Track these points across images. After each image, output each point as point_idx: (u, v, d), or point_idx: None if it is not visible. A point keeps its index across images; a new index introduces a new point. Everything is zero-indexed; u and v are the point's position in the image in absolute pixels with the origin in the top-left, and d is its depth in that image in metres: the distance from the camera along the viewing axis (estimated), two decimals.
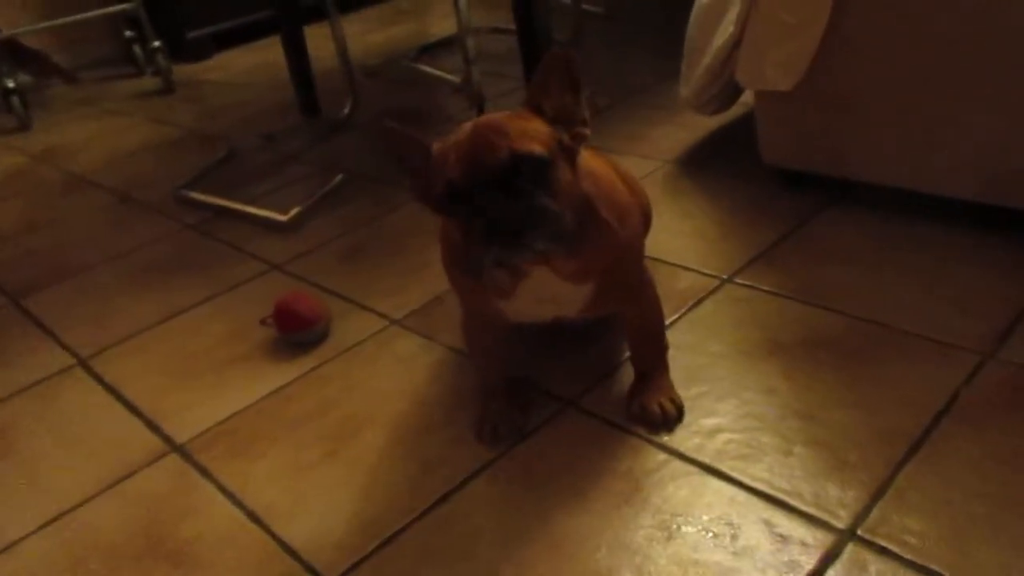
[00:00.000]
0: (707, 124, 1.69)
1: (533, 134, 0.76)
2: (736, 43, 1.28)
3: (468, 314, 0.98)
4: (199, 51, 3.18)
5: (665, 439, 0.91)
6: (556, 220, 0.74)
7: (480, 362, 1.03)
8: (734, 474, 0.85)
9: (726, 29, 1.29)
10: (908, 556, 0.73)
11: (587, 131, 0.80)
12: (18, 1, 3.22)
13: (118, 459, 1.03)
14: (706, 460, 0.87)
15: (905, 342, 1.00)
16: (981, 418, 0.87)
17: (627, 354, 1.03)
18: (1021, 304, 1.02)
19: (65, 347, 1.30)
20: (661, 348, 0.99)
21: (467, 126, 0.78)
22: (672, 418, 0.92)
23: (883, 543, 0.74)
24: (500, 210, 0.73)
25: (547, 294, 0.85)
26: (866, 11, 1.14)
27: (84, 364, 1.25)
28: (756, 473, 0.84)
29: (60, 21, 2.90)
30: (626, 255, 0.89)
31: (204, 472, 0.98)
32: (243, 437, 1.02)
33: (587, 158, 0.86)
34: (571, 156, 0.80)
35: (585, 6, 2.66)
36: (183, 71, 3.01)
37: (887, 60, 1.16)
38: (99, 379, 1.20)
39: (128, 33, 3.08)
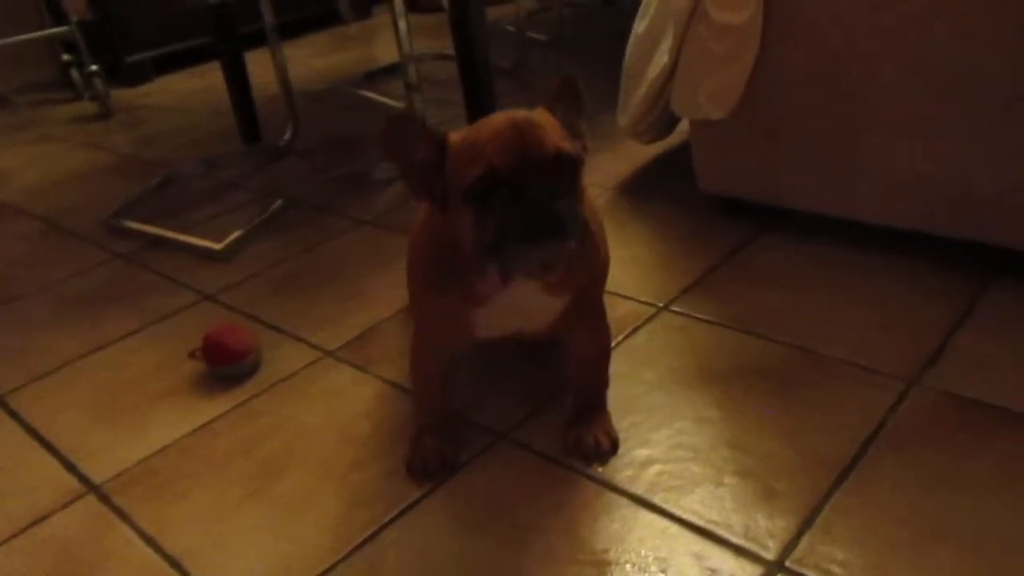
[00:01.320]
0: (646, 152, 1.71)
1: (566, 135, 0.76)
2: (671, 73, 1.29)
3: (421, 338, 0.95)
4: (138, 75, 3.12)
5: (599, 471, 0.90)
6: (583, 225, 0.75)
7: (421, 393, 0.99)
8: (666, 506, 0.84)
9: (660, 59, 1.31)
10: None
11: (585, 151, 0.80)
12: None
13: (31, 502, 0.98)
14: (638, 492, 0.86)
15: (835, 368, 1.01)
16: (907, 444, 0.88)
17: (559, 387, 1.03)
18: (947, 329, 1.04)
19: None
20: (604, 383, 0.98)
21: (499, 117, 0.76)
22: (605, 452, 0.91)
23: (810, 574, 0.74)
24: (545, 203, 0.72)
25: (522, 305, 0.84)
26: (795, 42, 1.17)
27: (1, 401, 1.19)
28: (687, 505, 0.84)
29: None
30: (600, 276, 0.90)
31: (121, 515, 0.94)
32: (164, 477, 0.99)
33: None
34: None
35: (529, 33, 2.68)
36: (122, 95, 2.95)
37: (816, 90, 1.18)
38: (16, 417, 1.15)
39: (65, 57, 3.01)
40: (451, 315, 0.87)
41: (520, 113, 0.76)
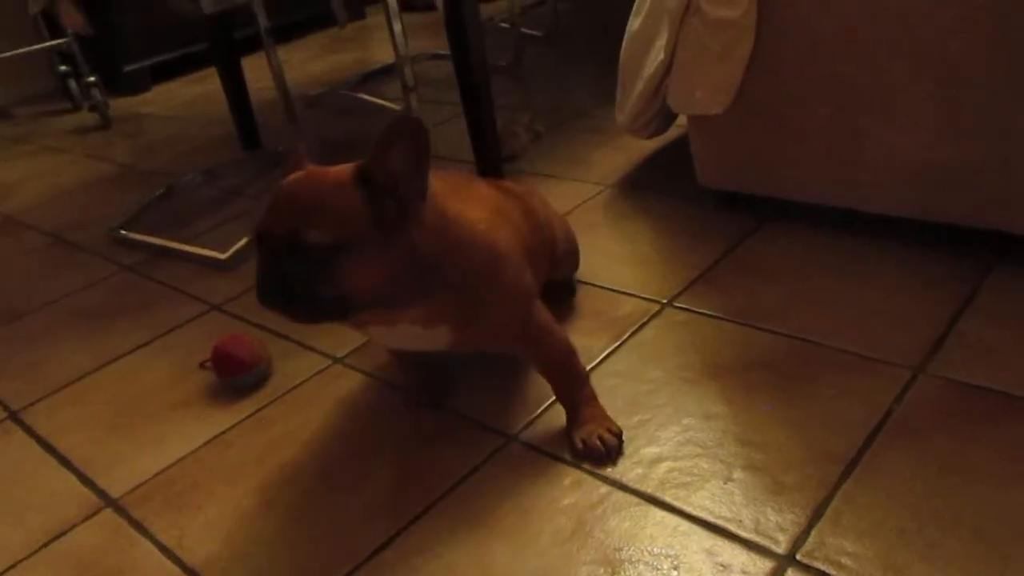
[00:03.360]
0: (645, 147, 1.71)
1: (331, 213, 0.75)
2: (667, 69, 1.30)
3: None
4: (136, 84, 3.13)
5: (608, 470, 0.91)
6: (313, 303, 0.76)
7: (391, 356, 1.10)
8: (676, 503, 0.85)
9: (656, 56, 1.31)
10: None
11: (420, 202, 0.79)
12: None
13: (50, 517, 0.99)
14: (648, 490, 0.87)
15: (839, 360, 1.01)
16: (913, 433, 0.88)
17: None
18: (950, 316, 1.05)
19: None
20: (578, 381, 0.97)
21: (291, 178, 0.80)
22: (614, 449, 0.92)
23: (820, 566, 0.75)
24: (269, 275, 0.77)
25: (399, 331, 0.88)
26: (790, 34, 1.17)
27: (15, 417, 1.21)
28: (697, 501, 0.85)
29: None
30: (493, 298, 0.88)
31: (139, 527, 0.95)
32: (180, 488, 1.00)
33: (455, 206, 0.86)
34: (395, 225, 0.78)
35: (525, 29, 2.68)
36: (120, 105, 2.96)
37: (812, 81, 1.18)
38: (31, 432, 1.16)
39: (62, 68, 3.02)
40: (355, 330, 0.94)
41: (301, 179, 0.79)
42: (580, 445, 0.93)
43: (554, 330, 0.96)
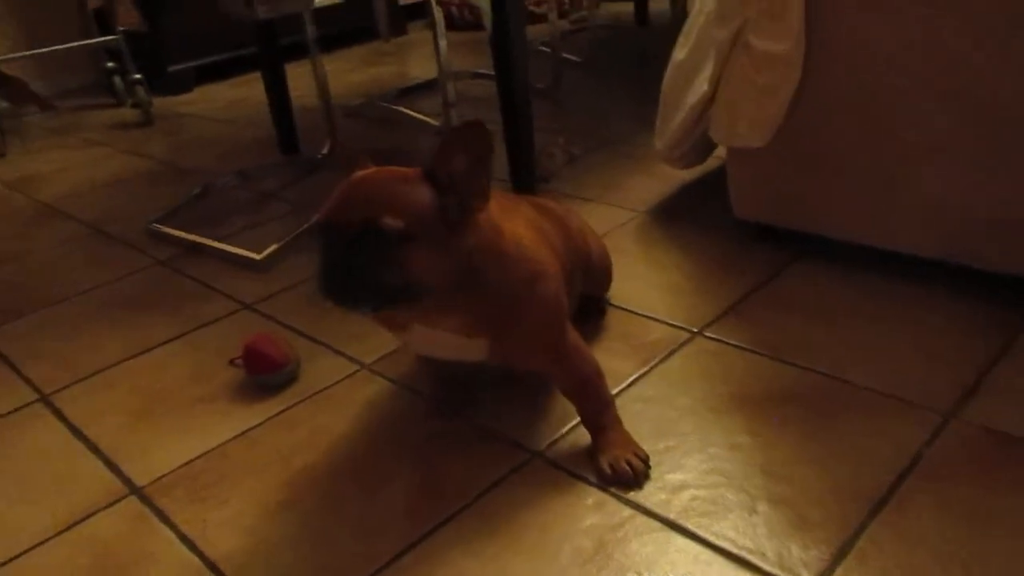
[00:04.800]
0: (680, 176, 1.72)
1: (403, 204, 0.78)
2: (709, 101, 1.31)
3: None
4: (179, 84, 3.19)
5: (631, 493, 0.91)
6: (381, 291, 0.78)
7: (420, 363, 1.13)
8: (699, 531, 0.85)
9: (700, 87, 1.33)
10: None
11: (482, 203, 0.82)
12: (1, 29, 3.22)
13: (75, 501, 1.00)
14: (671, 516, 0.87)
15: (870, 399, 1.01)
16: (943, 478, 0.88)
17: None
18: (985, 363, 1.04)
19: (28, 382, 1.28)
20: (603, 405, 0.98)
21: (361, 173, 0.83)
22: (642, 474, 0.92)
23: None
24: (334, 264, 0.78)
25: (437, 339, 0.90)
26: (833, 73, 1.18)
27: (46, 400, 1.22)
28: (721, 531, 0.84)
29: (43, 51, 2.90)
30: (530, 316, 0.90)
31: (162, 516, 0.96)
32: (205, 481, 1.01)
33: (507, 221, 0.88)
34: (456, 225, 0.81)
35: (565, 54, 2.71)
36: (162, 103, 3.02)
37: (857, 121, 1.19)
38: (61, 416, 1.18)
39: (109, 64, 3.09)
40: (391, 333, 0.96)
41: (371, 175, 0.82)
42: (608, 470, 0.93)
43: (584, 352, 0.97)
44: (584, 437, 0.99)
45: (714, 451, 0.95)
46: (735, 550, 0.82)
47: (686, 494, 0.90)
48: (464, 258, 0.82)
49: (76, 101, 3.28)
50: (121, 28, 2.71)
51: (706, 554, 0.82)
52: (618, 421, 0.98)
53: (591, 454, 0.96)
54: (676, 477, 0.92)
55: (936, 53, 1.08)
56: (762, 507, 0.87)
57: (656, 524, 0.86)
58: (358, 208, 0.78)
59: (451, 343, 0.89)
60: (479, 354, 0.91)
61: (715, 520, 0.86)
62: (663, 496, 0.90)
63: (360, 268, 0.77)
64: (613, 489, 0.92)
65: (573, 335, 0.97)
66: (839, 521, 0.84)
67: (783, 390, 1.04)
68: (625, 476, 0.92)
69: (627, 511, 0.88)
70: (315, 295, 0.81)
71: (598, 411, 0.97)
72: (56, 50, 2.90)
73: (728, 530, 0.84)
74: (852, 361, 1.08)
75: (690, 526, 0.85)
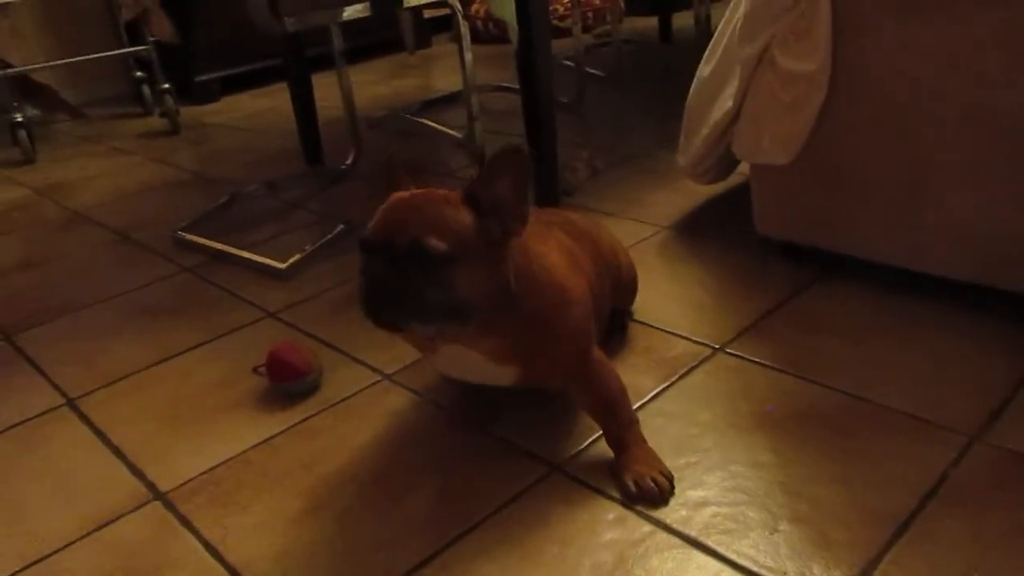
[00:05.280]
0: (703, 191, 1.72)
1: (447, 226, 0.80)
2: (734, 117, 1.31)
3: None
4: (206, 94, 3.24)
5: (651, 509, 0.90)
6: (424, 311, 0.80)
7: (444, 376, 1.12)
8: (720, 549, 0.84)
9: (724, 103, 1.33)
10: None
11: (521, 228, 0.83)
12: (33, 38, 3.29)
13: (100, 504, 1.01)
14: (692, 533, 0.87)
15: (894, 420, 1.00)
16: (969, 501, 0.87)
17: None
18: (1011, 386, 1.03)
19: (55, 386, 1.30)
20: (627, 423, 0.98)
21: (407, 193, 0.85)
22: (667, 492, 0.92)
23: None
24: (380, 283, 0.80)
25: (467, 362, 0.91)
26: (860, 93, 1.18)
27: (72, 405, 1.24)
28: (742, 549, 0.84)
29: (74, 60, 2.95)
30: (558, 343, 0.91)
31: (185, 522, 0.97)
32: (228, 488, 1.02)
33: (537, 246, 0.90)
34: (496, 248, 0.83)
35: (588, 68, 2.73)
36: (190, 112, 3.06)
37: (882, 140, 1.19)
38: (87, 421, 1.20)
39: (138, 74, 3.14)
40: (420, 352, 0.97)
41: (417, 196, 0.83)
42: (633, 487, 0.92)
43: (608, 371, 0.98)
44: (605, 451, 0.99)
45: (736, 468, 0.95)
46: (756, 569, 0.81)
47: (707, 511, 0.89)
48: (504, 281, 0.83)
49: (105, 110, 3.34)
50: (153, 38, 2.76)
51: (727, 572, 0.81)
52: (642, 439, 0.98)
53: (614, 471, 0.96)
54: (697, 494, 0.92)
55: (964, 72, 1.07)
56: (784, 526, 0.86)
57: (677, 541, 0.86)
58: (403, 229, 0.79)
59: (481, 368, 0.91)
60: (507, 380, 0.92)
61: (736, 538, 0.85)
62: (684, 512, 0.89)
63: (405, 288, 0.79)
64: (634, 504, 0.91)
65: (598, 353, 0.97)
66: (862, 542, 0.83)
67: (805, 408, 1.04)
68: (651, 493, 0.91)
69: (648, 527, 0.88)
70: (359, 315, 0.82)
71: (622, 429, 0.97)
72: (87, 59, 2.95)
73: (749, 548, 0.84)
74: (875, 381, 1.07)
75: (711, 543, 0.85)
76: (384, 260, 0.80)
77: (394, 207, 0.83)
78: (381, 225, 0.82)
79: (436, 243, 0.78)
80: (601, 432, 1.00)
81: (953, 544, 0.82)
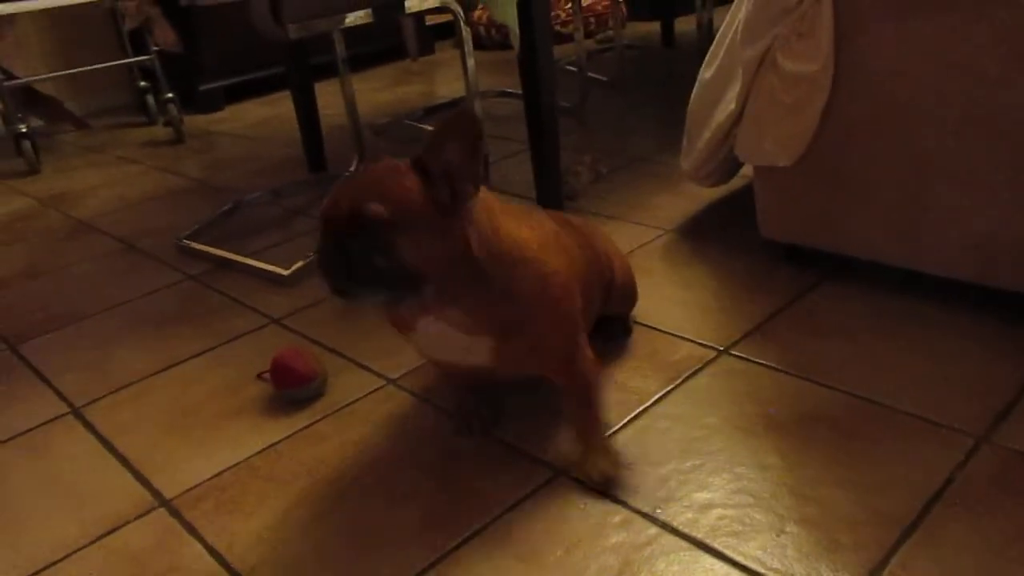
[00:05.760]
0: (706, 195, 1.72)
1: (389, 193, 0.81)
2: (736, 119, 1.31)
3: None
4: (210, 103, 3.25)
5: (657, 512, 0.90)
6: (372, 276, 0.81)
7: (445, 378, 1.13)
8: (726, 551, 0.84)
9: (727, 106, 1.33)
10: None
11: (473, 191, 0.84)
12: (37, 49, 3.31)
13: (105, 512, 1.02)
14: (698, 536, 0.86)
15: (900, 421, 1.00)
16: (974, 503, 0.86)
17: (621, 424, 1.04)
18: (1017, 387, 1.03)
19: (59, 395, 1.30)
20: (594, 418, 1.00)
21: (364, 168, 0.87)
22: (613, 484, 0.94)
23: None
24: (329, 251, 0.82)
25: (443, 337, 0.91)
26: (861, 94, 1.17)
27: (77, 413, 1.24)
28: (748, 551, 0.83)
29: (79, 70, 2.97)
30: (534, 321, 0.91)
31: (191, 529, 0.97)
32: (233, 494, 1.02)
33: (508, 222, 0.89)
34: (449, 212, 0.83)
35: (591, 73, 2.73)
36: (194, 122, 3.07)
37: (884, 141, 1.18)
38: (91, 428, 1.20)
39: (142, 83, 3.15)
40: (402, 335, 0.97)
41: (367, 171, 0.85)
42: (598, 476, 0.94)
43: (594, 361, 0.99)
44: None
45: (741, 470, 0.95)
46: (763, 571, 0.81)
47: (713, 513, 0.89)
48: (459, 245, 0.84)
49: (110, 120, 3.35)
50: (157, 47, 2.77)
51: (734, 575, 0.81)
52: (599, 432, 1.00)
53: (579, 457, 0.98)
54: (703, 496, 0.91)
55: (966, 74, 1.07)
56: (791, 528, 0.86)
57: (683, 543, 0.86)
58: (347, 199, 0.81)
59: (456, 343, 0.91)
60: (486, 355, 0.91)
61: (743, 540, 0.85)
62: (690, 515, 0.89)
63: (351, 255, 0.81)
64: (638, 506, 0.91)
65: (587, 349, 0.98)
66: (869, 544, 0.82)
67: (811, 411, 1.03)
68: (612, 483, 0.94)
69: (653, 529, 0.88)
70: (322, 288, 0.84)
71: (594, 419, 0.99)
72: (91, 70, 2.97)
73: (756, 551, 0.83)
74: (880, 382, 1.07)
75: (717, 546, 0.85)
76: (333, 231, 0.82)
77: (345, 181, 0.85)
78: (330, 199, 0.84)
79: (376, 208, 0.79)
80: (607, 430, 1.00)
81: (960, 546, 0.81)
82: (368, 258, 0.81)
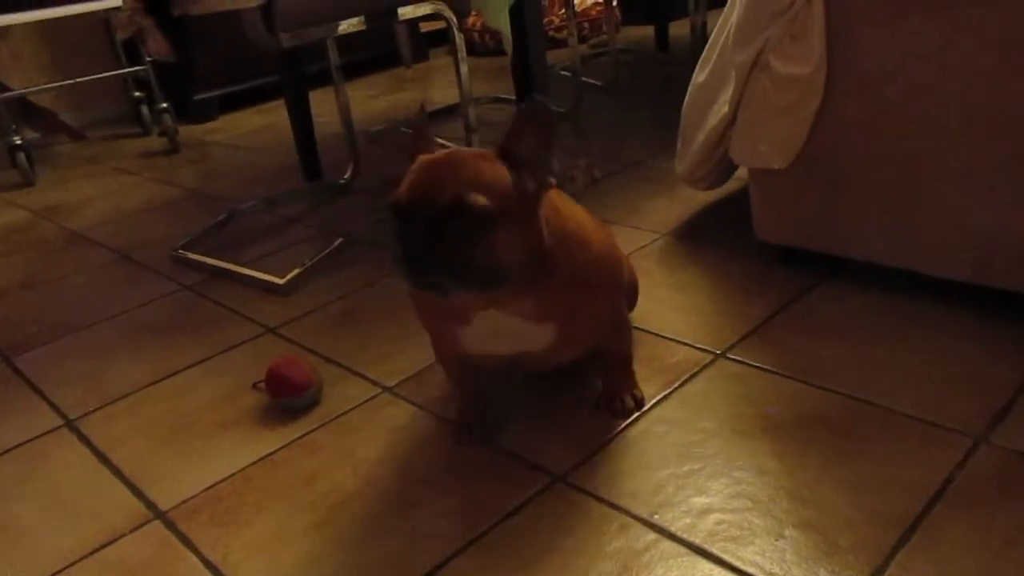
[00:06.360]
0: (701, 198, 1.72)
1: (488, 183, 0.78)
2: (730, 122, 1.31)
3: (435, 340, 1.05)
4: (204, 113, 3.25)
5: (655, 517, 0.90)
6: (470, 271, 0.78)
7: (455, 388, 1.10)
8: (725, 556, 0.83)
9: (720, 109, 1.33)
10: None
11: (553, 180, 0.83)
12: (32, 61, 3.31)
13: (100, 525, 1.01)
14: (697, 541, 0.86)
15: (898, 422, 0.99)
16: (974, 504, 0.86)
17: (618, 429, 1.04)
18: (1015, 387, 1.02)
19: (54, 407, 1.29)
20: (627, 361, 1.09)
21: (440, 153, 0.82)
22: (630, 409, 1.05)
23: None
24: (421, 246, 0.77)
25: (504, 328, 0.88)
26: (854, 94, 1.17)
27: (72, 425, 1.24)
28: (747, 556, 0.83)
29: (73, 81, 2.96)
30: (594, 300, 0.93)
31: (186, 541, 0.96)
32: (228, 505, 1.01)
33: (564, 204, 0.90)
34: (532, 203, 0.82)
35: (585, 78, 2.73)
36: (189, 132, 3.07)
37: (878, 142, 1.18)
38: (86, 441, 1.19)
39: (137, 94, 3.15)
40: (442, 329, 0.95)
41: (453, 154, 0.81)
42: (605, 399, 1.06)
43: (628, 321, 1.09)
44: (608, 461, 0.98)
45: (739, 474, 0.94)
46: None
47: (711, 518, 0.88)
48: (539, 238, 0.83)
49: (105, 131, 3.35)
50: (150, 58, 2.77)
51: None
52: (630, 365, 1.10)
53: (609, 396, 1.08)
54: (701, 500, 0.91)
55: (959, 73, 1.07)
56: (789, 532, 0.85)
57: (681, 549, 0.85)
58: (443, 188, 0.77)
59: (519, 332, 0.89)
60: (545, 341, 0.91)
61: (741, 545, 0.84)
62: (688, 520, 0.89)
63: (447, 248, 0.76)
64: (636, 512, 0.90)
65: (622, 309, 1.07)
66: (869, 546, 0.82)
67: (809, 413, 1.03)
68: (616, 408, 1.06)
69: (652, 535, 0.87)
70: (395, 277, 0.80)
71: (629, 362, 1.09)
72: (85, 81, 2.97)
73: (755, 555, 0.83)
74: (878, 384, 1.06)
75: (716, 551, 0.84)
76: (424, 220, 0.77)
77: (428, 167, 0.80)
78: (417, 185, 0.78)
79: (480, 200, 0.76)
80: (605, 442, 0.99)
81: (960, 547, 0.81)
82: (466, 252, 0.77)
